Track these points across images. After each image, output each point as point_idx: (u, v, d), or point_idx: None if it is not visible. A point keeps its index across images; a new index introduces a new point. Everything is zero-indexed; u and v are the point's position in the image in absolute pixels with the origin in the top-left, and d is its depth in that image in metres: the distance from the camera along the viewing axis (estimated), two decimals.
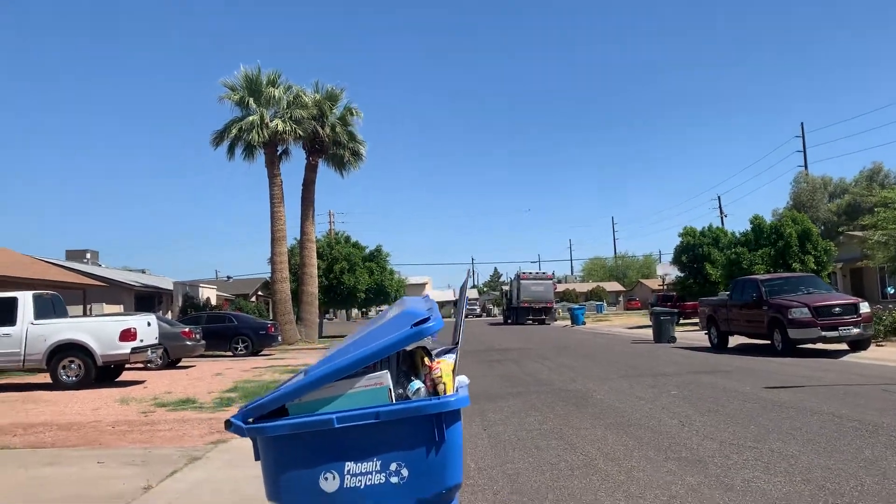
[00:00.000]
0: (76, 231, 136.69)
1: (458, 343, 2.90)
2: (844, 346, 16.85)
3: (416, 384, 2.65)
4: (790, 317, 16.29)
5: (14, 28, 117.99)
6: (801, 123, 58.46)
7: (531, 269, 73.10)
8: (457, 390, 2.68)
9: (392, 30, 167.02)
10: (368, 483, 2.57)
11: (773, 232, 30.52)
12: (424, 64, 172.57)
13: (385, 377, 2.62)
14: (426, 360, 2.78)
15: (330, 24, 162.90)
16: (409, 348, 2.87)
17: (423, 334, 2.62)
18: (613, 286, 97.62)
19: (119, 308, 29.87)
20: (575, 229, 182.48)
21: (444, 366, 2.67)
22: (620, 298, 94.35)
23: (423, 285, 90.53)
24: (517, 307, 51.02)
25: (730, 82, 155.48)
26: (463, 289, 3.42)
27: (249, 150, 30.16)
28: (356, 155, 32.54)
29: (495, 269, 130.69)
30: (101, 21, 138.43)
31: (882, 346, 18.21)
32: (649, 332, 30.43)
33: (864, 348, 16.63)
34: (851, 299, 17.01)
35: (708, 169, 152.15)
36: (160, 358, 17.78)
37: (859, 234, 33.67)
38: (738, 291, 19.39)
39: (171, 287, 37.23)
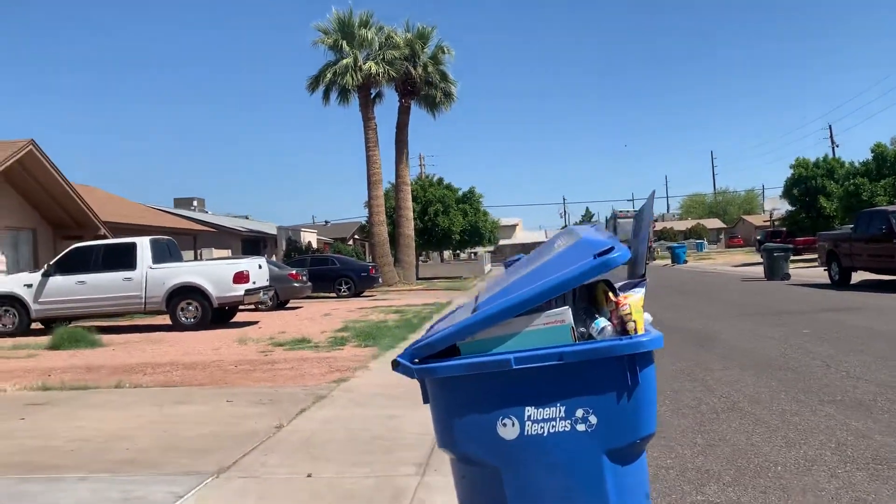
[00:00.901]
0: (182, 179, 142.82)
1: (643, 276, 2.56)
2: None
3: (602, 322, 2.35)
4: None
5: None
6: None
7: (625, 207, 71.34)
8: (646, 329, 2.37)
9: None
10: (552, 430, 2.30)
11: None
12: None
13: (567, 314, 2.33)
14: (610, 294, 2.47)
15: None
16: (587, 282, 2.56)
17: (609, 266, 2.30)
18: (714, 223, 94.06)
19: (227, 252, 30.92)
20: (671, 165, 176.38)
21: (632, 301, 2.35)
22: (721, 236, 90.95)
23: (513, 226, 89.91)
24: None
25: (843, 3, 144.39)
26: (644, 211, 3.02)
27: (344, 94, 30.16)
28: (448, 95, 32.05)
29: (587, 208, 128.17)
30: None
31: None
32: (758, 270, 29.14)
33: None
34: None
35: (815, 97, 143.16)
36: (270, 299, 18.23)
37: None
38: (864, 224, 18.08)
39: (274, 232, 38.22)
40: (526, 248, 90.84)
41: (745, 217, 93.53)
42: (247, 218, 49.81)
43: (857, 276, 18.89)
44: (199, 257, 28.13)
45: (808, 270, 25.41)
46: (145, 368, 9.45)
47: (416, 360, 2.43)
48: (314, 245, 37.89)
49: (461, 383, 2.37)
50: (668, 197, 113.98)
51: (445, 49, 31.20)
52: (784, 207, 44.24)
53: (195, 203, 40.33)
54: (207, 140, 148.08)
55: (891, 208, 18.17)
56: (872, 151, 30.00)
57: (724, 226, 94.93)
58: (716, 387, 6.55)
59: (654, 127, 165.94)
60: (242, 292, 14.85)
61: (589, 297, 2.60)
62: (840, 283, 18.71)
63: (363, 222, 55.08)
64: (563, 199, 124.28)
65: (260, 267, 15.88)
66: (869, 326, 9.99)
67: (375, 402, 6.65)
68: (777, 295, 16.89)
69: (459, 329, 2.38)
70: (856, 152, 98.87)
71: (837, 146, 61.59)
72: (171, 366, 9.63)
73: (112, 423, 6.11)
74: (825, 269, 20.01)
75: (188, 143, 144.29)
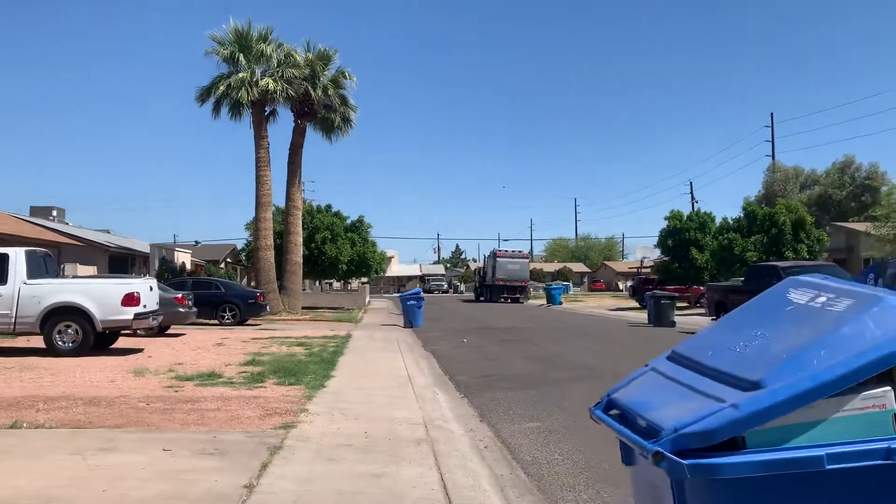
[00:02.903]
0: (33, 185, 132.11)
1: None
2: None
3: None
4: None
5: None
6: (771, 114, 58.81)
7: (493, 246, 72.54)
8: None
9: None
10: None
11: (766, 219, 30.37)
12: (392, 41, 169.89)
13: (889, 397, 1.81)
14: None
15: None
16: None
17: None
18: (579, 267, 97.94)
19: (93, 269, 28.28)
20: (535, 210, 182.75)
21: None
22: (585, 279, 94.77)
23: (389, 258, 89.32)
24: (492, 285, 50.20)
25: (699, 69, 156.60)
26: None
27: (236, 109, 28.61)
28: (346, 120, 31.19)
29: (457, 245, 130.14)
30: None
31: None
32: (635, 315, 30.18)
33: None
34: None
35: (673, 155, 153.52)
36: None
37: (847, 225, 33.78)
38: (755, 278, 19.06)
39: (144, 249, 35.56)
40: (401, 280, 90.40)
41: (606, 263, 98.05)
42: (108, 232, 46.25)
43: None
44: (61, 273, 25.45)
45: (687, 318, 26.46)
46: (36, 403, 8.05)
47: (687, 452, 1.80)
48: (188, 266, 35.56)
49: (749, 486, 1.77)
50: (531, 239, 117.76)
51: (347, 74, 30.42)
52: (654, 255, 46.40)
53: (54, 213, 36.75)
54: (65, 145, 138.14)
55: (782, 264, 19.26)
56: (744, 210, 32.05)
57: (588, 270, 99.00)
58: None
59: (521, 172, 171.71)
60: (131, 316, 13.31)
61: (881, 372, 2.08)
62: None
63: (237, 246, 52.70)
64: (438, 236, 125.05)
65: (151, 289, 14.39)
66: None
67: (346, 456, 5.84)
68: (683, 342, 17.24)
69: (750, 414, 1.79)
70: (712, 208, 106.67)
71: (698, 202, 65.88)
72: (66, 400, 8.27)
73: (32, 479, 4.95)
74: (713, 319, 20.84)
75: (41, 145, 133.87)
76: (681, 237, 37.00)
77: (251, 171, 29.26)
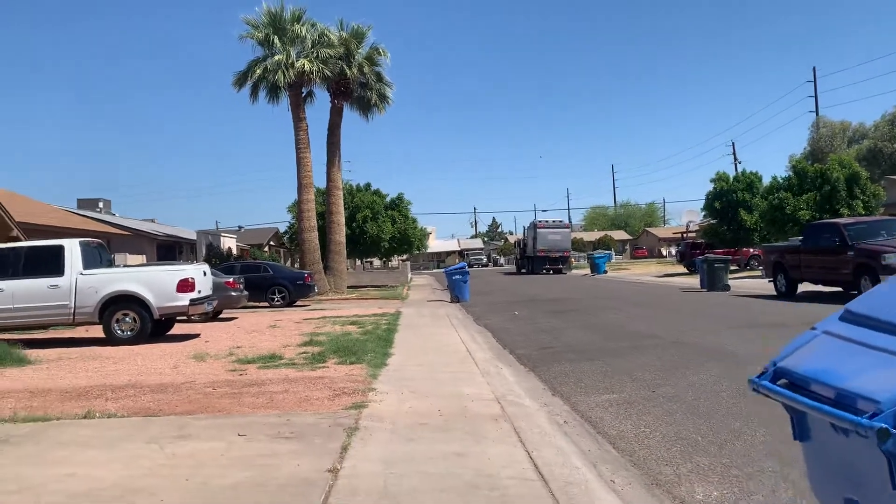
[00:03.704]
0: (78, 178, 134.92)
1: None
2: None
3: None
4: (884, 262, 15.23)
5: None
6: (814, 68, 56.98)
7: (529, 217, 71.94)
8: None
9: None
10: None
11: (818, 176, 29.38)
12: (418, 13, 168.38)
13: None
14: None
15: None
16: None
17: None
18: (620, 235, 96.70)
19: (142, 258, 28.66)
20: (572, 179, 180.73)
21: None
22: (627, 247, 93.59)
23: (429, 235, 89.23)
24: (533, 256, 49.76)
25: (737, 24, 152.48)
26: None
27: (274, 92, 28.55)
28: (382, 97, 30.91)
29: (493, 218, 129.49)
30: None
31: None
32: (683, 281, 29.60)
33: None
34: None
35: (712, 116, 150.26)
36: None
37: None
38: (813, 237, 18.34)
39: (188, 236, 35.95)
40: (440, 256, 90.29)
41: (648, 229, 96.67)
42: (153, 221, 46.93)
43: (799, 288, 19.11)
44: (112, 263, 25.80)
45: (742, 282, 25.82)
46: (104, 392, 8.05)
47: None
48: (234, 251, 35.86)
49: None
50: (569, 209, 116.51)
51: (381, 50, 30.09)
52: (698, 219, 45.43)
53: (101, 204, 37.36)
54: (109, 139, 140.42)
55: (842, 221, 18.51)
56: (793, 168, 31.04)
57: (629, 237, 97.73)
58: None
59: (557, 141, 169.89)
60: (187, 302, 13.35)
61: None
62: (787, 293, 18.88)
63: (280, 229, 53.09)
64: (474, 209, 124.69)
65: (205, 274, 14.41)
66: None
67: (424, 436, 5.66)
68: (740, 305, 16.80)
69: None
70: (755, 167, 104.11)
71: (740, 162, 64.34)
72: (133, 388, 8.25)
73: (112, 469, 4.86)
74: (770, 281, 20.20)
75: (88, 140, 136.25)
76: (728, 199, 36.10)
77: (290, 153, 29.27)
